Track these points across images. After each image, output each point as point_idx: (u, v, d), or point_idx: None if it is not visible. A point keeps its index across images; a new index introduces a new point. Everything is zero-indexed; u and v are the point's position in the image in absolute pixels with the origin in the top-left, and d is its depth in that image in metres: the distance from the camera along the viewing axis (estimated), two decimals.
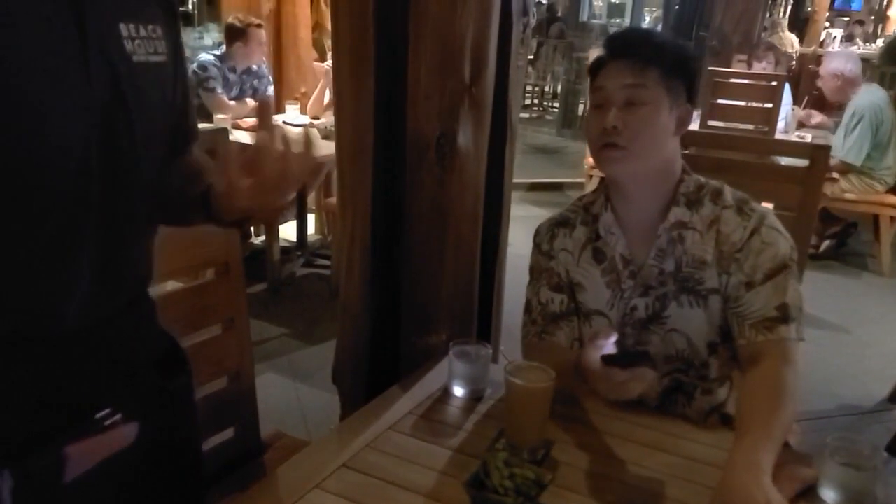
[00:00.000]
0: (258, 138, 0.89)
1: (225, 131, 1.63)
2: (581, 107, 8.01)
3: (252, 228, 4.01)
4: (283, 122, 3.89)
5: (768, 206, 2.15)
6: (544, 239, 1.41)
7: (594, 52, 5.41)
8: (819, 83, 4.53)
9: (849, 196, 4.12)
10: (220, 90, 3.80)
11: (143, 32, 0.82)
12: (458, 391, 1.34)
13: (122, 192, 0.83)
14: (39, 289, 0.79)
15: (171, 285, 1.44)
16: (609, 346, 1.09)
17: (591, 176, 4.86)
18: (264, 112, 0.86)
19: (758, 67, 4.74)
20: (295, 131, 3.83)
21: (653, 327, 1.31)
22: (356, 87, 1.66)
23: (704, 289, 1.26)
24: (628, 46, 1.26)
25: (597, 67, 1.30)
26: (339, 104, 1.74)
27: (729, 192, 1.30)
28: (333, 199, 3.79)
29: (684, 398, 1.33)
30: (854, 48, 8.99)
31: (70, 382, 0.84)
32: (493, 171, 1.76)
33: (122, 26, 0.80)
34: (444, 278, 1.73)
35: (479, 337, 1.81)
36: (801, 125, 4.65)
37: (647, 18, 9.84)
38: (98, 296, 0.84)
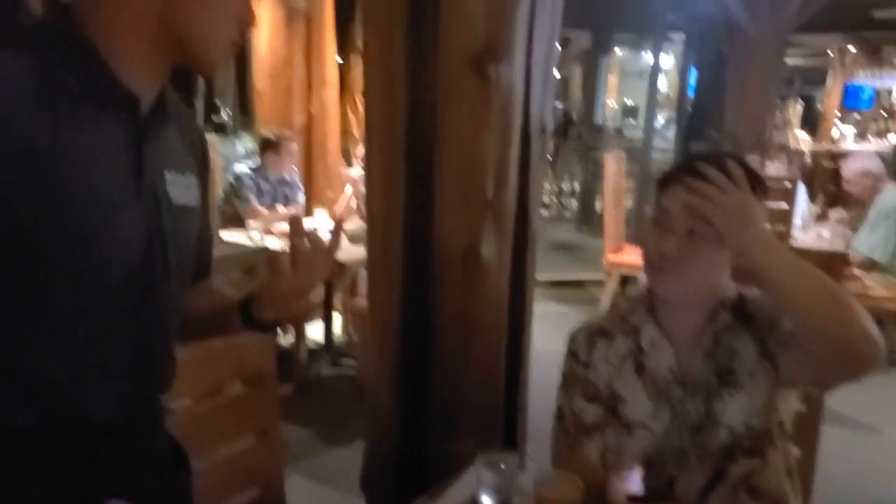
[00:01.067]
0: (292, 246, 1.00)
1: (263, 252, 1.73)
2: (597, 204, 8.17)
3: (279, 329, 4.10)
4: (313, 227, 4.04)
5: None
6: (581, 348, 1.38)
7: (608, 153, 5.60)
8: (846, 185, 4.54)
9: (874, 293, 4.12)
10: (253, 199, 3.99)
11: (181, 180, 0.99)
12: (487, 501, 1.36)
13: (155, 305, 0.96)
14: (78, 381, 0.90)
15: (207, 397, 1.50)
16: (634, 479, 1.11)
17: (610, 274, 4.93)
18: (296, 226, 1.02)
19: (771, 168, 4.87)
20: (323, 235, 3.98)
21: (704, 429, 1.28)
22: (386, 204, 1.77)
23: (746, 369, 1.26)
24: (698, 172, 1.21)
25: (664, 182, 1.28)
26: (371, 219, 1.85)
27: (765, 298, 1.29)
28: (359, 300, 3.88)
29: (723, 489, 1.30)
30: (868, 144, 9.17)
31: (88, 471, 0.93)
32: (516, 279, 1.85)
33: (167, 173, 0.96)
34: (470, 384, 1.78)
35: (505, 439, 1.84)
36: (820, 219, 4.70)
37: (660, 120, 10.18)
38: (126, 392, 0.95)
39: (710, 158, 1.24)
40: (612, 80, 13.42)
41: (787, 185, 4.31)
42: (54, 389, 0.88)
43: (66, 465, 0.91)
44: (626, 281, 5.31)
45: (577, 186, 9.37)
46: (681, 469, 1.30)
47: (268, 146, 4.09)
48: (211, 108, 7.23)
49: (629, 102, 15.26)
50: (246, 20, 0.95)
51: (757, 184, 1.23)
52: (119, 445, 0.96)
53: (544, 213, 9.12)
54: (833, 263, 1.94)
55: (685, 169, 1.25)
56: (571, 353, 1.39)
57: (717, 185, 1.14)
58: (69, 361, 0.88)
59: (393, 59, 1.73)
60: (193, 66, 0.95)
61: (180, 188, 0.98)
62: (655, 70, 6.76)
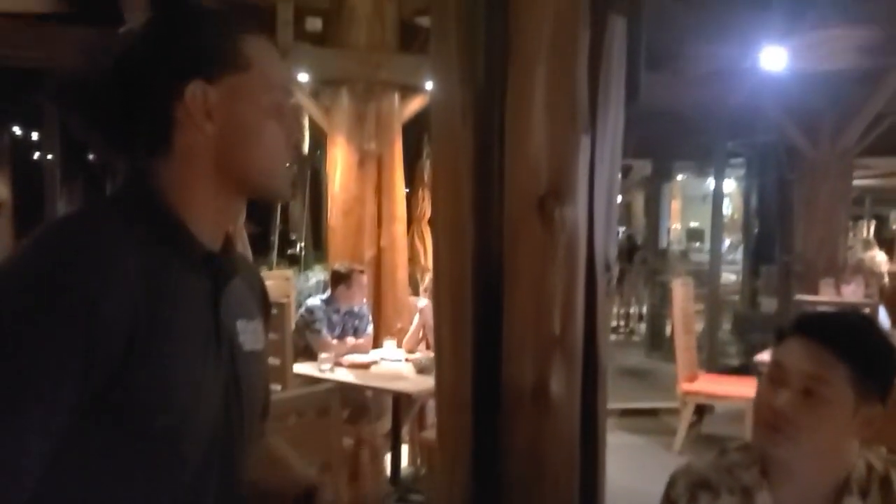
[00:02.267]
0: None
1: (336, 392, 1.79)
2: (668, 328, 8.02)
3: None
4: (381, 358, 4.11)
5: (881, 448, 2.07)
6: (681, 498, 1.28)
7: (676, 279, 5.56)
8: None
9: None
10: (324, 331, 4.11)
11: (250, 327, 1.02)
12: None
13: (233, 452, 0.97)
14: None
15: None
16: None
17: (685, 403, 4.77)
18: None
19: (847, 291, 4.73)
20: (392, 367, 4.03)
21: None
22: (455, 341, 1.82)
23: None
24: (819, 330, 1.15)
25: (780, 336, 1.21)
26: (440, 355, 1.89)
27: None
28: (427, 433, 3.85)
29: None
30: None
31: None
32: (587, 415, 1.83)
33: (239, 323, 0.99)
34: None
35: None
36: None
37: (727, 242, 10.11)
38: None
39: (833, 315, 1.20)
40: (675, 204, 13.50)
41: (866, 310, 4.16)
42: None
43: None
44: (701, 410, 5.11)
45: (644, 310, 9.26)
46: None
47: (339, 279, 4.25)
48: (286, 243, 7.60)
49: (694, 225, 15.24)
50: (297, 138, 1.00)
51: (883, 360, 1.15)
52: None
53: (612, 337, 8.98)
54: None
55: (804, 323, 1.19)
56: (670, 502, 1.30)
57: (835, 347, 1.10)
58: None
59: (460, 200, 1.83)
60: (261, 196, 1.00)
61: (249, 334, 1.00)
62: (718, 194, 6.80)
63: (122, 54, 0.91)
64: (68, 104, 0.93)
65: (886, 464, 1.22)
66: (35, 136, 10.72)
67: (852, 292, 4.62)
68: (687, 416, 4.76)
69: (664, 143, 8.55)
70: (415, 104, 5.22)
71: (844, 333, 1.16)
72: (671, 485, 1.31)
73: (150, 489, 0.87)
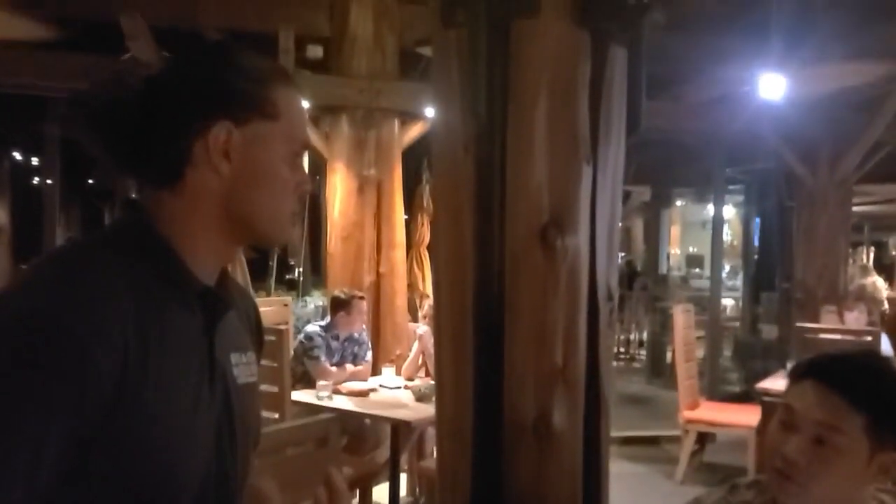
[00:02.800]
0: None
1: (336, 422, 1.77)
2: (668, 355, 7.98)
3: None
4: (380, 385, 4.07)
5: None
6: None
7: (677, 306, 5.54)
8: None
9: None
10: (323, 358, 4.08)
11: (243, 359, 1.00)
12: None
13: (226, 490, 0.94)
14: None
15: None
16: None
17: (687, 431, 4.73)
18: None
19: (850, 318, 4.70)
20: (390, 394, 4.00)
21: None
22: (456, 372, 1.80)
23: None
24: (832, 375, 1.11)
25: (792, 377, 1.17)
26: (440, 386, 1.87)
27: None
28: (426, 462, 3.81)
29: None
30: None
31: None
32: (590, 447, 1.80)
33: (233, 355, 0.98)
34: None
35: None
36: None
37: (727, 268, 10.10)
38: None
39: (846, 358, 1.16)
40: (674, 230, 13.53)
41: (868, 338, 4.14)
42: None
43: None
44: (703, 438, 5.07)
45: (644, 336, 9.22)
46: None
47: (340, 306, 4.23)
48: (284, 268, 7.58)
49: (693, 251, 15.25)
50: (304, 188, 0.97)
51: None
52: None
53: (613, 364, 8.93)
54: None
55: (816, 366, 1.15)
56: None
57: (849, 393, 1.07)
58: None
59: (461, 230, 1.82)
60: (262, 244, 1.00)
61: (243, 366, 0.99)
62: (718, 221, 6.80)
63: (154, 78, 0.90)
64: (88, 122, 0.91)
65: None
66: (35, 161, 10.76)
67: (855, 319, 4.61)
68: (689, 444, 4.72)
69: (663, 170, 8.60)
70: (415, 130, 5.25)
71: (859, 378, 1.11)
72: None
73: None
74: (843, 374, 1.11)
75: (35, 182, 11.24)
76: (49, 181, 7.93)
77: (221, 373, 0.93)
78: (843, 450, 1.07)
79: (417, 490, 4.25)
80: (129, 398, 0.79)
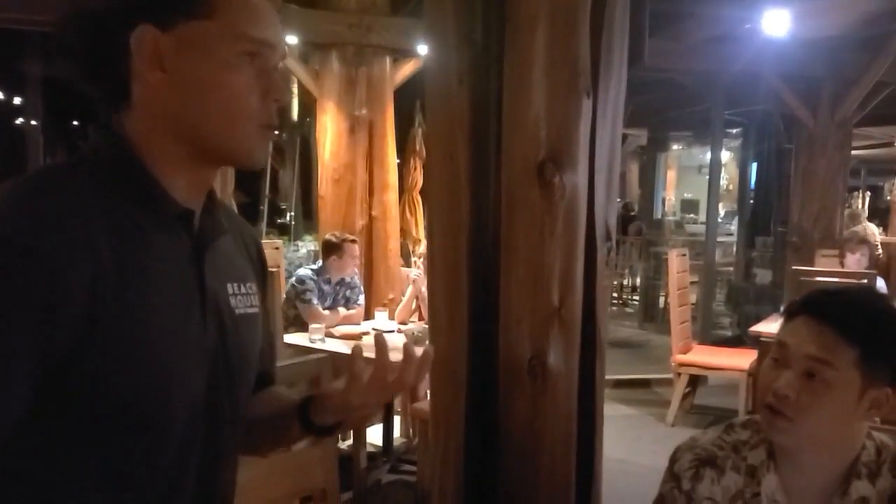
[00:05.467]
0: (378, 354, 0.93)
1: (328, 361, 1.73)
2: (661, 300, 8.01)
3: (340, 434, 4.05)
4: (373, 329, 4.05)
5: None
6: (685, 474, 1.23)
7: (671, 250, 5.52)
8: None
9: None
10: (315, 301, 4.04)
11: (242, 290, 0.96)
12: None
13: (221, 425, 0.92)
14: None
15: None
16: None
17: (679, 374, 4.75)
18: (381, 342, 0.95)
19: (851, 261, 4.65)
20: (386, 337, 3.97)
21: None
22: (450, 313, 1.76)
23: None
24: (825, 311, 1.10)
25: (787, 315, 1.16)
26: (434, 328, 1.83)
27: None
28: (419, 404, 3.82)
29: None
30: None
31: None
32: (585, 388, 1.78)
33: (229, 285, 0.94)
34: (538, 496, 1.69)
35: None
36: None
37: (722, 213, 10.07)
38: None
39: (840, 293, 1.13)
40: (670, 175, 13.44)
41: (865, 280, 4.13)
42: None
43: None
44: (694, 381, 5.11)
45: (637, 282, 9.24)
46: None
47: (331, 249, 4.18)
48: (275, 212, 7.50)
49: (688, 196, 15.20)
50: (277, 96, 0.87)
51: (893, 340, 1.09)
52: None
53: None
54: None
55: (809, 302, 1.13)
56: (674, 477, 1.25)
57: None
58: (137, 492, 0.84)
59: (456, 167, 1.75)
60: (228, 163, 0.91)
61: (241, 297, 0.95)
62: (716, 164, 6.72)
63: (76, 5, 0.84)
64: (62, 54, 0.86)
65: None
66: (18, 101, 10.52)
67: (857, 263, 4.54)
68: (680, 387, 4.75)
69: (660, 112, 8.46)
70: (407, 69, 5.10)
71: (851, 312, 1.10)
72: (675, 460, 1.27)
73: (123, 472, 0.82)
74: (835, 308, 1.10)
75: (19, 123, 11.01)
76: (33, 122, 7.76)
77: (214, 302, 0.89)
78: (833, 384, 1.06)
79: (411, 431, 4.28)
80: (105, 319, 0.76)
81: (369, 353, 0.92)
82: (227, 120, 0.85)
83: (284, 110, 5.11)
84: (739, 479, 1.19)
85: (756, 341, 4.19)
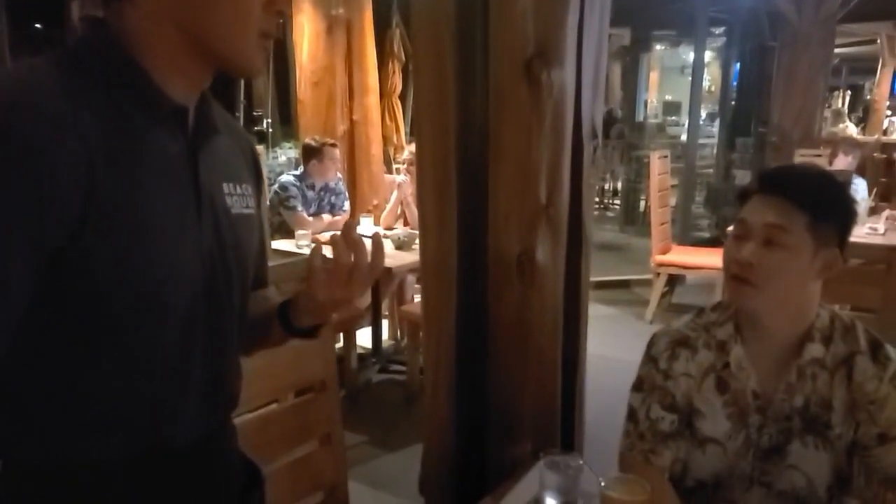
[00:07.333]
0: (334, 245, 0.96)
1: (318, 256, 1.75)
2: (642, 203, 8.08)
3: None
4: (359, 235, 4.08)
5: (846, 307, 2.14)
6: (662, 355, 1.35)
7: (653, 152, 5.53)
8: None
9: None
10: (300, 208, 4.04)
11: (238, 190, 0.97)
12: (551, 502, 1.36)
13: (221, 318, 0.95)
14: (157, 406, 0.88)
15: (274, 404, 1.54)
16: None
17: (658, 274, 4.88)
18: (348, 233, 0.97)
19: (843, 161, 4.67)
20: (369, 243, 4.01)
21: (773, 459, 1.27)
22: (440, 214, 1.78)
23: (832, 433, 1.23)
24: (778, 184, 1.22)
25: (743, 197, 1.27)
26: (424, 228, 1.86)
27: (861, 332, 1.26)
28: (406, 307, 3.91)
29: None
30: None
31: (168, 500, 0.92)
32: (571, 284, 1.84)
33: (225, 185, 0.95)
34: (527, 390, 1.78)
35: (562, 446, 1.83)
36: (873, 212, 4.57)
37: (703, 115, 10.02)
38: (202, 413, 0.94)
39: (791, 168, 1.25)
40: (653, 76, 13.25)
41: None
42: (131, 418, 0.86)
43: (146, 495, 0.89)
44: (672, 281, 5.25)
45: (619, 185, 9.28)
46: (746, 494, 1.29)
47: (311, 154, 4.14)
48: (250, 120, 7.35)
49: (670, 98, 15.05)
50: (279, 7, 0.86)
51: (838, 206, 1.22)
52: (197, 469, 0.95)
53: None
54: (892, 258, 1.89)
55: (764, 179, 1.25)
56: (652, 360, 1.36)
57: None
58: (143, 386, 0.87)
59: (443, 67, 1.74)
60: (229, 69, 0.90)
61: (237, 197, 0.96)
62: (699, 65, 6.63)
63: None
64: None
65: (853, 318, 1.28)
66: None
67: (847, 164, 4.57)
68: (659, 286, 4.88)
69: (643, 10, 8.26)
70: None
71: (801, 183, 1.22)
72: (652, 344, 1.38)
73: (133, 352, 0.85)
74: (786, 181, 1.23)
75: None
76: None
77: (210, 200, 0.90)
78: (790, 247, 1.18)
79: (398, 333, 4.40)
80: (98, 213, 0.76)
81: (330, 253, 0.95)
82: (231, 25, 0.84)
83: (284, 23, 4.95)
84: (711, 354, 1.31)
85: None
